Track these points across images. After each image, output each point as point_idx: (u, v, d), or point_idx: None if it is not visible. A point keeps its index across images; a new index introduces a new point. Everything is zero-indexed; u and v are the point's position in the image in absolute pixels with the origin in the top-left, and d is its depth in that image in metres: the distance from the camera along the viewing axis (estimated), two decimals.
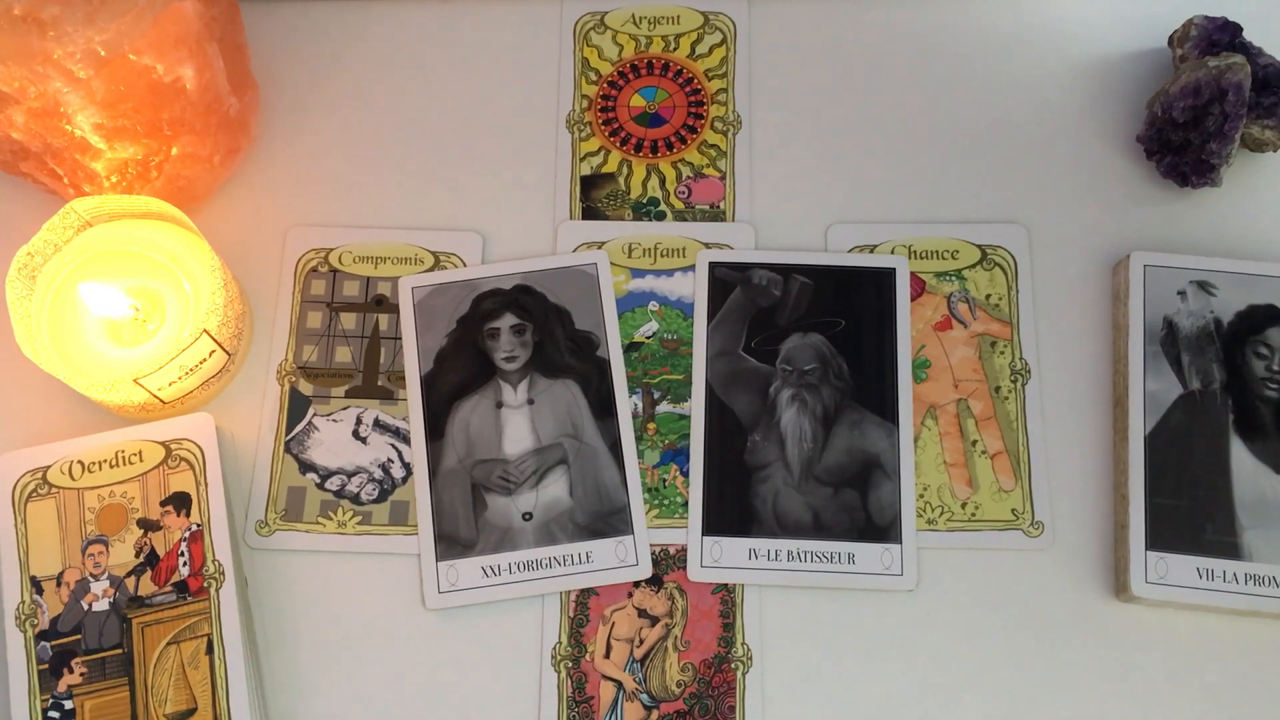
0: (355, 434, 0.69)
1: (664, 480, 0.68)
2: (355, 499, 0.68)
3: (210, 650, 0.63)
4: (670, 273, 0.72)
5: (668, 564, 0.67)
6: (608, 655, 0.65)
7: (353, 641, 0.65)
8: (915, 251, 0.71)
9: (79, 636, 0.63)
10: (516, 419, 0.68)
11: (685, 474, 0.68)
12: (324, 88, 0.77)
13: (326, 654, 0.65)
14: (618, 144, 0.75)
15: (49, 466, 0.66)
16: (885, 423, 0.68)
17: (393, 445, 0.69)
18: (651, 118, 0.76)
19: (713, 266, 0.71)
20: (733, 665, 0.65)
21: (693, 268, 0.72)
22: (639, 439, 0.68)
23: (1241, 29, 0.72)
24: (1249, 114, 0.70)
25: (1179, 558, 0.64)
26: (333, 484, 0.68)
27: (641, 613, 0.66)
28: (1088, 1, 0.78)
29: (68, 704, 0.62)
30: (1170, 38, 0.75)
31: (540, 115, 0.76)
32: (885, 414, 0.68)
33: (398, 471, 0.68)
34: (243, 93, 0.71)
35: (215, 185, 0.73)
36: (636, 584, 0.66)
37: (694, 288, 0.71)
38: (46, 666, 0.63)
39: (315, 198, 0.74)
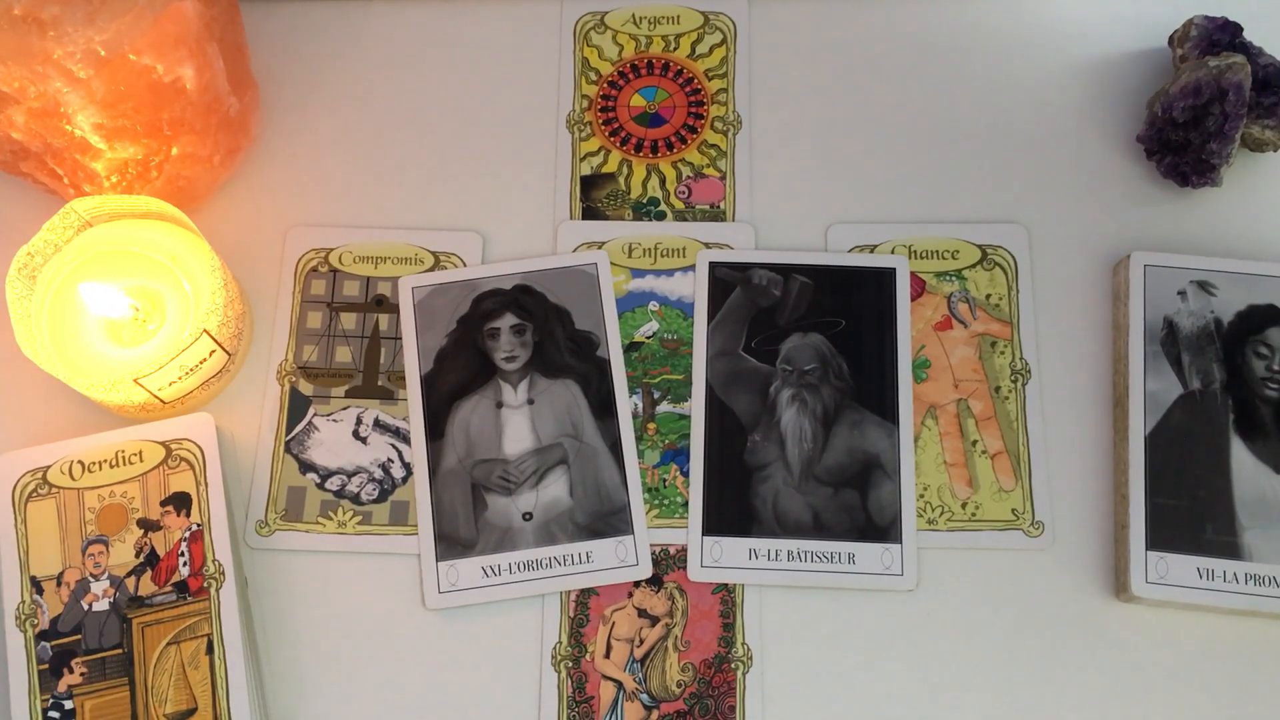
0: (355, 434, 0.69)
1: (664, 480, 0.68)
2: (355, 499, 0.68)
3: (210, 650, 0.62)
4: (670, 273, 0.72)
5: (668, 564, 0.66)
6: (608, 655, 0.65)
7: (353, 641, 0.65)
8: (915, 251, 0.71)
9: (79, 636, 0.63)
10: (516, 419, 0.68)
11: (685, 474, 0.68)
12: (324, 88, 0.77)
13: (326, 654, 0.65)
14: (618, 144, 0.75)
15: (49, 466, 0.66)
16: (885, 423, 0.68)
17: (393, 445, 0.69)
18: (651, 118, 0.76)
19: (713, 266, 0.71)
20: (733, 665, 0.65)
21: (693, 268, 0.71)
22: (639, 439, 0.68)
23: (1242, 29, 0.72)
24: (1249, 114, 0.70)
25: (1179, 557, 0.64)
26: (333, 484, 0.68)
27: (641, 613, 0.66)
28: (1088, 1, 0.78)
29: (68, 704, 0.62)
30: (1170, 38, 0.75)
31: (540, 115, 0.76)
32: (885, 414, 0.68)
33: (398, 471, 0.68)
34: (243, 93, 0.71)
35: (215, 185, 0.73)
36: (637, 584, 0.66)
37: (694, 288, 0.71)
38: (46, 666, 0.63)
39: (315, 198, 0.74)
